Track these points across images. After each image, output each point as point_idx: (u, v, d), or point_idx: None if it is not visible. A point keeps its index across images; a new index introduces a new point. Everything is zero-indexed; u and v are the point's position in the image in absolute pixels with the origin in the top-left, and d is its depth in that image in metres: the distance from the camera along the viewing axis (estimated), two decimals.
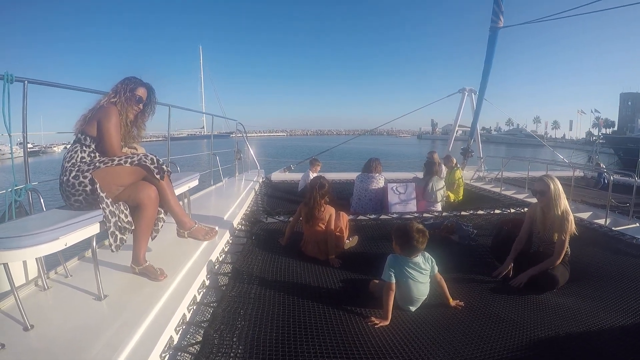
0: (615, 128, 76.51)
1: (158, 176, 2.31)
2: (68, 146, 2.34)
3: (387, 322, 2.14)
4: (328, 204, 3.41)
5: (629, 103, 76.93)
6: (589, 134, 62.34)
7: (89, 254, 2.56)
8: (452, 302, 2.38)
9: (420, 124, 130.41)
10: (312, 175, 6.52)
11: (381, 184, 5.41)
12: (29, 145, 3.00)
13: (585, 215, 5.03)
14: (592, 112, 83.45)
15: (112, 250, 2.14)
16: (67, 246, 1.85)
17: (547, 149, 14.24)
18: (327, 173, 7.33)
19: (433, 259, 2.40)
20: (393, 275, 2.25)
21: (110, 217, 2.08)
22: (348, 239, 3.61)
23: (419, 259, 2.35)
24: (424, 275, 2.33)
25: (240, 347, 1.80)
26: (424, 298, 2.34)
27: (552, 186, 2.82)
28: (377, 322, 2.12)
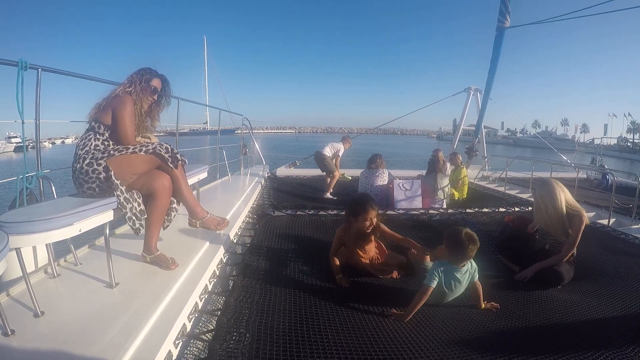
0: None
1: (172, 165, 2.31)
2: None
3: (404, 319, 2.07)
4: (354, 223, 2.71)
5: None
6: (622, 139, 58.80)
7: (99, 242, 2.56)
8: (483, 305, 2.29)
9: (441, 123, 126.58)
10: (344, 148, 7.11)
11: (386, 179, 5.42)
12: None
13: (588, 215, 5.04)
14: (625, 115, 77.59)
15: (136, 233, 2.20)
16: (81, 232, 1.84)
17: (578, 153, 14.11)
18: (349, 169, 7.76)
19: (476, 266, 2.29)
20: (436, 281, 2.15)
21: (125, 203, 2.09)
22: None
23: (466, 266, 2.24)
24: (466, 282, 2.25)
25: (249, 335, 1.79)
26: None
27: (537, 192, 2.95)
28: (393, 312, 2.13)
